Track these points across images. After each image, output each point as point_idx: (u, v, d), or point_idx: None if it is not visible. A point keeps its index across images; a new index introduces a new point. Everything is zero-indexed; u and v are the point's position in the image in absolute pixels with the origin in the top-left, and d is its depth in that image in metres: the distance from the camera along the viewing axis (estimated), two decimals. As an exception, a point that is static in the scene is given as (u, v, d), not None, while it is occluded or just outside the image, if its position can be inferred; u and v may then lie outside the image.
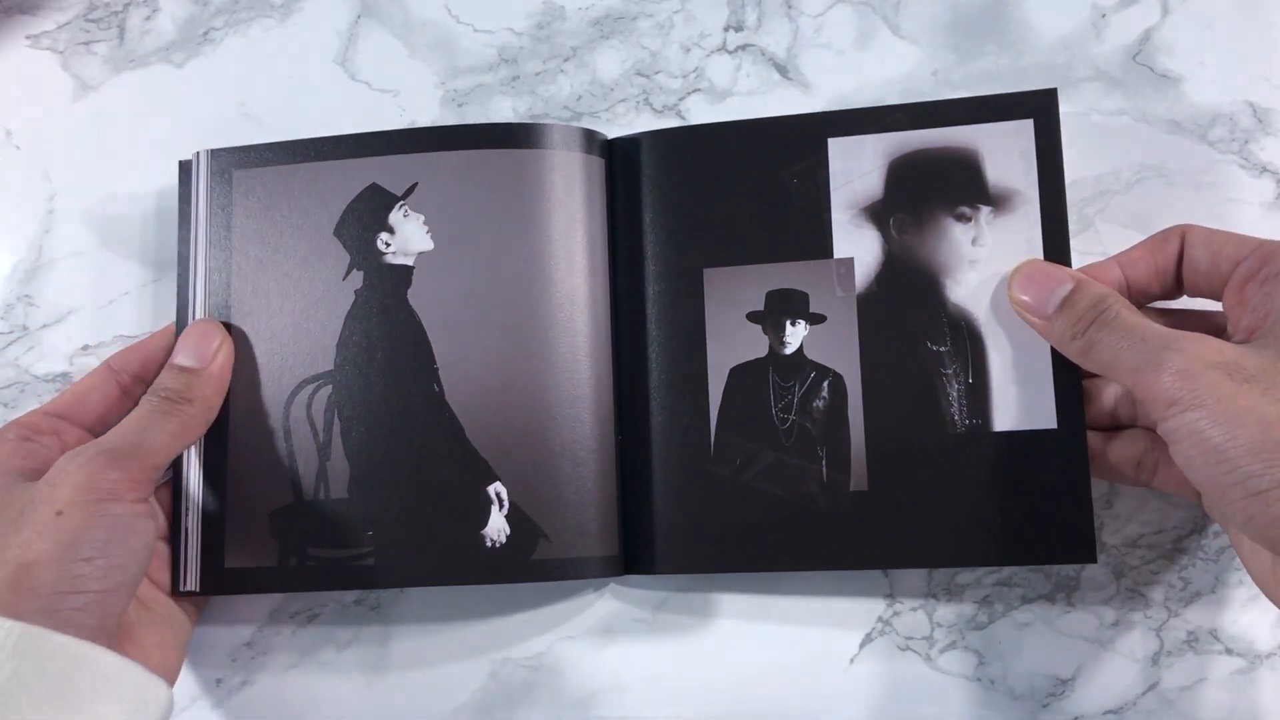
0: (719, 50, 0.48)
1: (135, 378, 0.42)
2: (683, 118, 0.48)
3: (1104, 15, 0.47)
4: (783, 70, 0.48)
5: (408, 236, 0.42)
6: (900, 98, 0.47)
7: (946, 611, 0.44)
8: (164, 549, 0.42)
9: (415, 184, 0.42)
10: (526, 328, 0.41)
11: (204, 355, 0.41)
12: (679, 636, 0.44)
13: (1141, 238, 0.41)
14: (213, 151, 0.44)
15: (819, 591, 0.44)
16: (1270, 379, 0.32)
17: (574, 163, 0.42)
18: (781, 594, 0.44)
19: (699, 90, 0.48)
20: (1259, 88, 0.45)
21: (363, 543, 0.41)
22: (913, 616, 0.44)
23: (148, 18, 0.50)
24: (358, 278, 0.42)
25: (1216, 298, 0.39)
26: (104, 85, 0.50)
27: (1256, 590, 0.43)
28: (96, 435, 0.40)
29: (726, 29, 0.48)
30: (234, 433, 0.42)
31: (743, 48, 0.48)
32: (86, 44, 0.50)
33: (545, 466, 0.41)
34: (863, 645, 0.44)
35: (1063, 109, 0.42)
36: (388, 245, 0.42)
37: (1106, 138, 0.45)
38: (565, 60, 0.48)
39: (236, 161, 0.43)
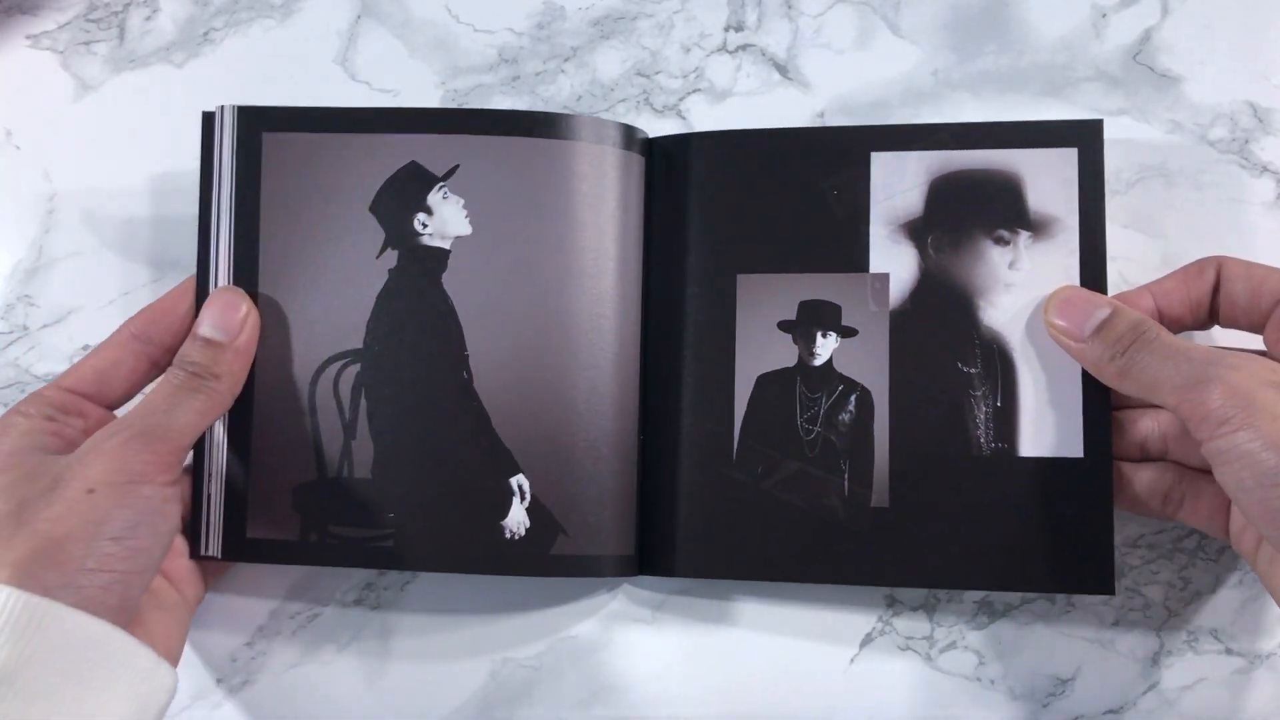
0: (719, 50, 0.48)
1: (165, 349, 0.41)
2: (683, 118, 0.48)
3: (1104, 15, 0.47)
4: (783, 70, 0.48)
5: (446, 219, 0.42)
6: (900, 98, 0.47)
7: (946, 611, 0.44)
8: (179, 541, 0.42)
9: (456, 166, 0.41)
10: (556, 322, 0.41)
11: (230, 327, 0.40)
12: (679, 637, 0.44)
13: (1142, 238, 0.41)
14: (240, 109, 0.42)
15: (820, 592, 0.44)
16: None
17: (614, 159, 0.42)
18: (782, 594, 0.44)
19: (699, 90, 0.48)
20: (1259, 88, 0.45)
21: (383, 524, 0.41)
22: (913, 616, 0.44)
23: (148, 18, 0.50)
24: (391, 257, 0.42)
25: (1256, 331, 0.39)
26: (104, 85, 0.50)
27: (1257, 590, 0.43)
28: (119, 410, 0.40)
29: (726, 29, 0.48)
30: (259, 404, 0.41)
31: (743, 48, 0.48)
32: (86, 44, 0.50)
33: (567, 462, 0.41)
34: (863, 645, 0.44)
35: (1063, 109, 0.42)
36: (425, 226, 0.42)
37: (1106, 137, 0.45)
38: (565, 60, 0.48)
39: (266, 123, 0.42)
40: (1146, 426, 0.40)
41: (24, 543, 0.33)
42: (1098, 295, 0.39)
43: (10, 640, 0.31)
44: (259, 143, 0.42)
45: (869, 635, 0.44)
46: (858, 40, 0.48)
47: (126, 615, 0.35)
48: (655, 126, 0.47)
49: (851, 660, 0.44)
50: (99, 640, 0.33)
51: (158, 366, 0.41)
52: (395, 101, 0.49)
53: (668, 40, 0.48)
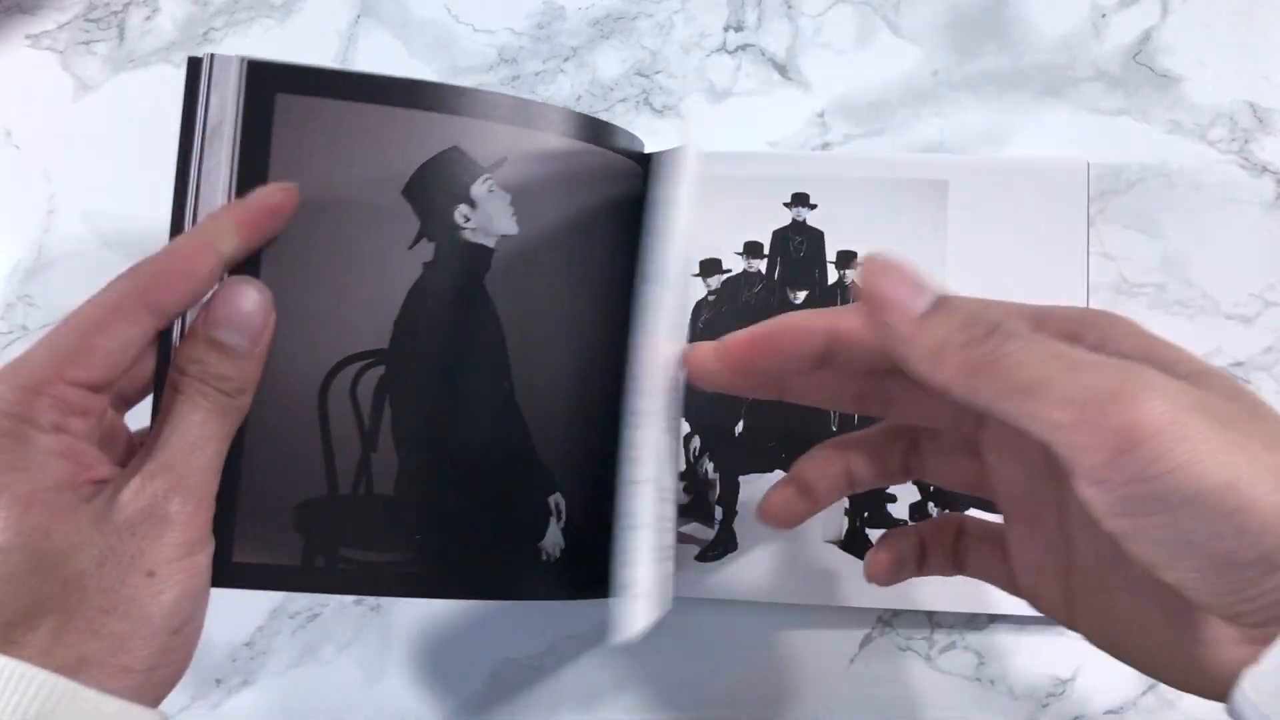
0: (719, 50, 0.48)
1: (171, 321, 0.33)
2: (683, 118, 0.48)
3: (1104, 15, 0.47)
4: (783, 70, 0.48)
5: (491, 214, 0.37)
6: (900, 98, 0.47)
7: (946, 612, 0.44)
8: None
9: (504, 158, 0.37)
10: (601, 338, 0.38)
11: (255, 330, 0.32)
12: (679, 637, 0.44)
13: (1142, 238, 0.41)
14: (250, 62, 0.35)
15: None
16: (1245, 422, 0.23)
17: (639, 174, 0.40)
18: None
19: (699, 90, 0.48)
20: (1259, 88, 0.45)
21: (407, 547, 0.35)
22: (913, 617, 0.44)
23: (148, 18, 0.50)
24: (427, 249, 0.36)
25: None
26: (104, 85, 0.50)
27: (1256, 590, 0.43)
28: (130, 402, 0.34)
29: (726, 29, 0.48)
30: (252, 409, 0.34)
31: (743, 48, 0.48)
32: (86, 44, 0.50)
33: (602, 483, 0.37)
34: (863, 645, 0.44)
35: (1064, 109, 0.42)
36: (467, 220, 0.37)
37: (1106, 138, 0.45)
38: (565, 60, 0.48)
39: (281, 83, 0.36)
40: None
41: (77, 641, 0.28)
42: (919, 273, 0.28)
43: None
44: (270, 105, 0.36)
45: (869, 635, 0.44)
46: (858, 40, 0.48)
47: (165, 695, 0.31)
48: (655, 127, 0.47)
49: (851, 660, 0.44)
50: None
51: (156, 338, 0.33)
52: (395, 101, 0.48)
53: (668, 40, 0.48)
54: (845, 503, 0.42)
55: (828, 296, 0.43)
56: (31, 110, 0.50)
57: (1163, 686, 0.43)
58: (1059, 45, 0.46)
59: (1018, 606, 0.41)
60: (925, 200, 0.43)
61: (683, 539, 0.42)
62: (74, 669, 0.28)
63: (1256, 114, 0.45)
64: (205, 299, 0.33)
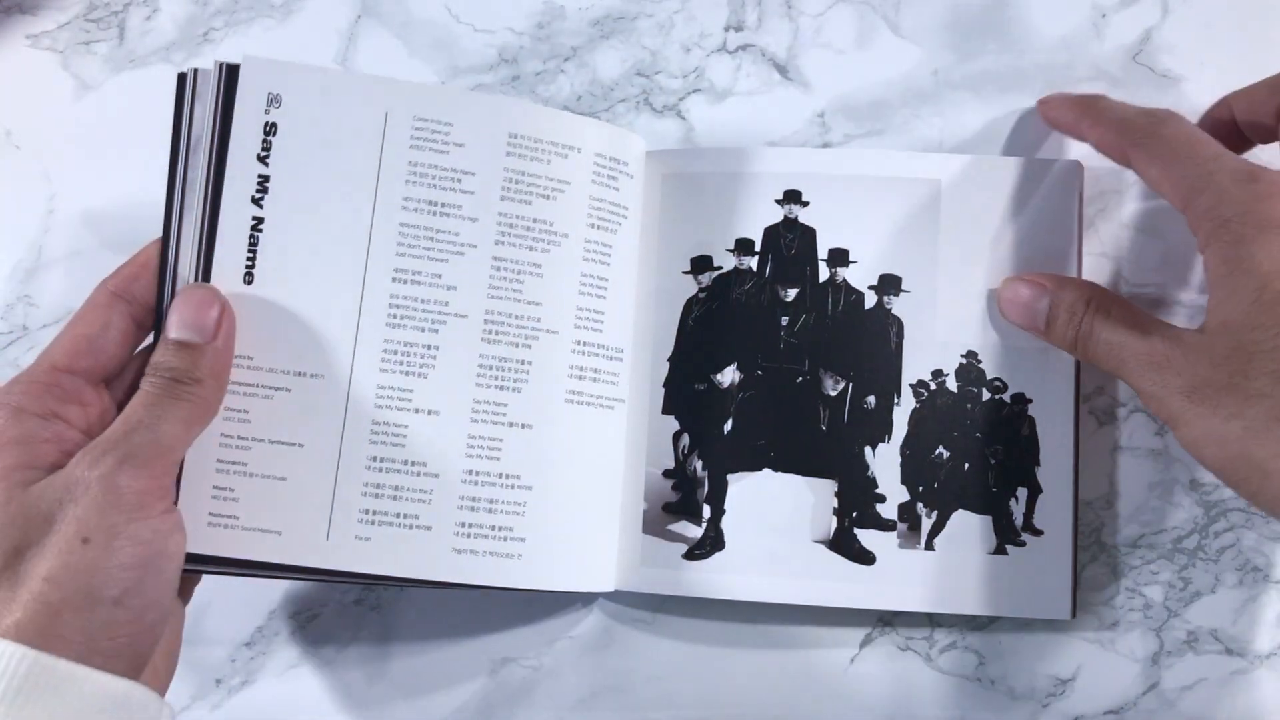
0: (719, 50, 0.48)
1: (147, 308, 0.38)
2: (683, 118, 0.48)
3: (1104, 15, 0.47)
4: (783, 70, 0.48)
5: None
6: (900, 98, 0.47)
7: (946, 612, 0.44)
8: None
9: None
10: None
11: (204, 326, 0.36)
12: (679, 637, 0.44)
13: (1143, 237, 0.41)
14: (229, 66, 0.40)
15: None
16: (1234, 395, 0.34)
17: None
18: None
19: (699, 90, 0.48)
20: (1259, 88, 0.45)
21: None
22: (913, 617, 0.44)
23: (148, 18, 0.50)
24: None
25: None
26: (104, 85, 0.50)
27: (1257, 590, 0.43)
28: (112, 385, 0.37)
29: (726, 29, 0.48)
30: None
31: (743, 48, 0.48)
32: (86, 44, 0.50)
33: None
34: (863, 645, 0.44)
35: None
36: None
37: (1106, 138, 0.45)
38: (565, 60, 0.48)
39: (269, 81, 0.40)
40: None
41: (23, 605, 0.30)
42: (1034, 283, 0.40)
43: (18, 702, 0.29)
44: (280, 102, 0.40)
45: (869, 635, 0.44)
46: (858, 40, 0.48)
47: (139, 666, 0.32)
48: (655, 127, 0.47)
49: (851, 660, 0.44)
50: (119, 699, 0.31)
51: (143, 329, 0.38)
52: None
53: (668, 40, 0.48)
54: (833, 502, 0.42)
55: (819, 294, 0.43)
56: (31, 110, 0.50)
57: (1163, 686, 0.43)
58: (1059, 45, 0.46)
59: (1017, 607, 0.41)
60: (918, 199, 0.43)
61: (671, 537, 0.42)
62: (23, 626, 0.30)
63: (1256, 114, 0.45)
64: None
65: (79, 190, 0.49)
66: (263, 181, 0.39)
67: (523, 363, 0.40)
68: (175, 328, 0.36)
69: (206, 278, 0.38)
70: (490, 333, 0.40)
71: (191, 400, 0.35)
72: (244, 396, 0.38)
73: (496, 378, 0.40)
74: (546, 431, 0.40)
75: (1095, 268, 0.44)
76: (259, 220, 0.39)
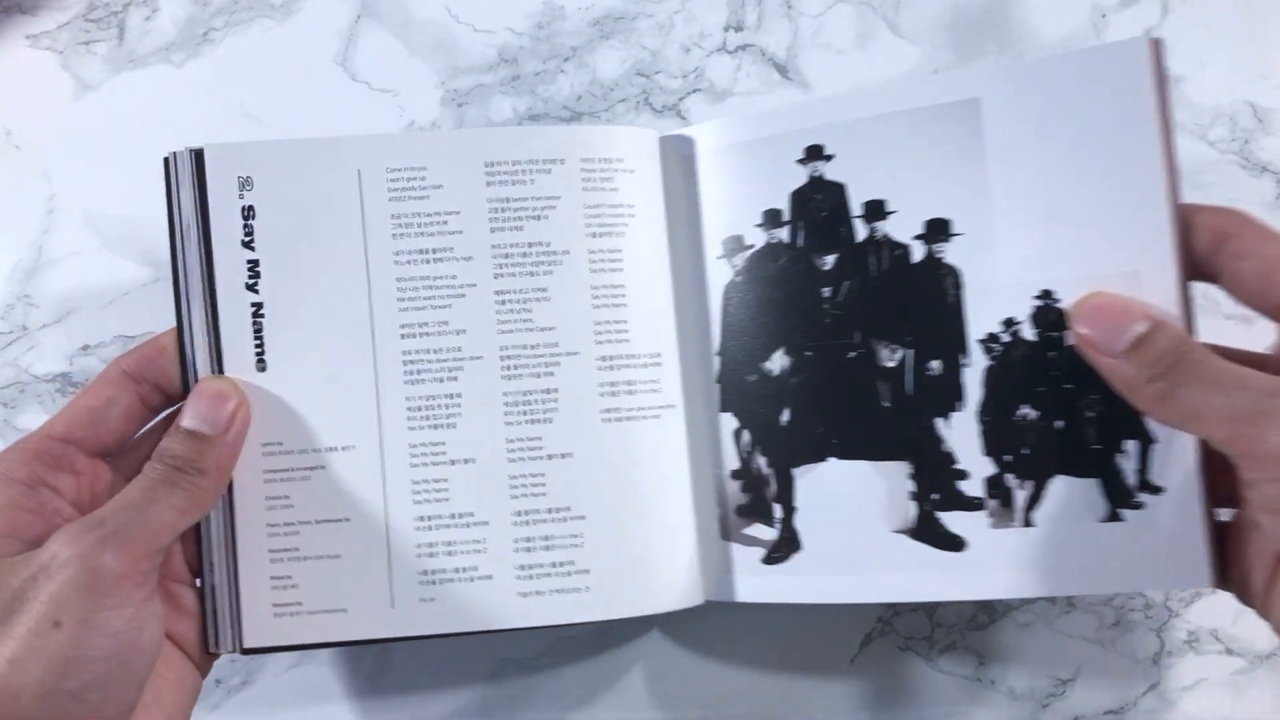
0: (719, 50, 0.48)
1: (159, 391, 0.38)
2: (683, 118, 0.48)
3: (1104, 15, 0.47)
4: (783, 70, 0.48)
5: None
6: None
7: (946, 611, 0.44)
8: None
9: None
10: None
11: (217, 420, 0.36)
12: (679, 637, 0.44)
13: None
14: (196, 152, 0.40)
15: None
16: None
17: None
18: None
19: (699, 90, 0.48)
20: (1259, 88, 0.45)
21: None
22: (913, 616, 0.44)
23: (147, 18, 0.50)
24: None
25: (1270, 316, 0.33)
26: (104, 85, 0.50)
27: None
28: (113, 460, 0.37)
29: (726, 29, 0.48)
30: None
31: (743, 48, 0.48)
32: (86, 44, 0.50)
33: None
34: (863, 645, 0.44)
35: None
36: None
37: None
38: (565, 60, 0.48)
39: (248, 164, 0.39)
40: None
41: None
42: (1133, 304, 0.33)
43: None
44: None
45: (869, 635, 0.44)
46: (858, 40, 0.48)
47: None
48: (655, 127, 0.47)
49: (851, 660, 0.44)
50: None
51: (152, 410, 0.38)
52: (395, 101, 0.48)
53: (668, 40, 0.48)
54: (909, 486, 0.38)
55: (859, 256, 0.39)
56: (31, 110, 0.50)
57: (1163, 686, 0.43)
58: (1059, 45, 0.46)
59: (1143, 580, 0.37)
60: (954, 125, 0.37)
61: (749, 541, 0.40)
62: None
63: (1256, 114, 0.45)
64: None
65: (79, 190, 0.49)
66: (253, 266, 0.39)
67: (548, 392, 0.39)
68: (189, 417, 0.36)
69: (220, 368, 0.38)
70: (509, 368, 0.39)
71: (190, 490, 0.34)
72: (282, 482, 0.38)
73: (525, 413, 0.39)
74: (588, 456, 0.39)
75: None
76: (258, 306, 0.39)
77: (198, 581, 0.38)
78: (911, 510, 0.38)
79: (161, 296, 0.48)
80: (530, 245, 0.40)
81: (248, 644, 0.37)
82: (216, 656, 0.38)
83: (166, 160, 0.39)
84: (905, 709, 0.43)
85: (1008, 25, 0.47)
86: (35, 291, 0.48)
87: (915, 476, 0.38)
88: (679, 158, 0.41)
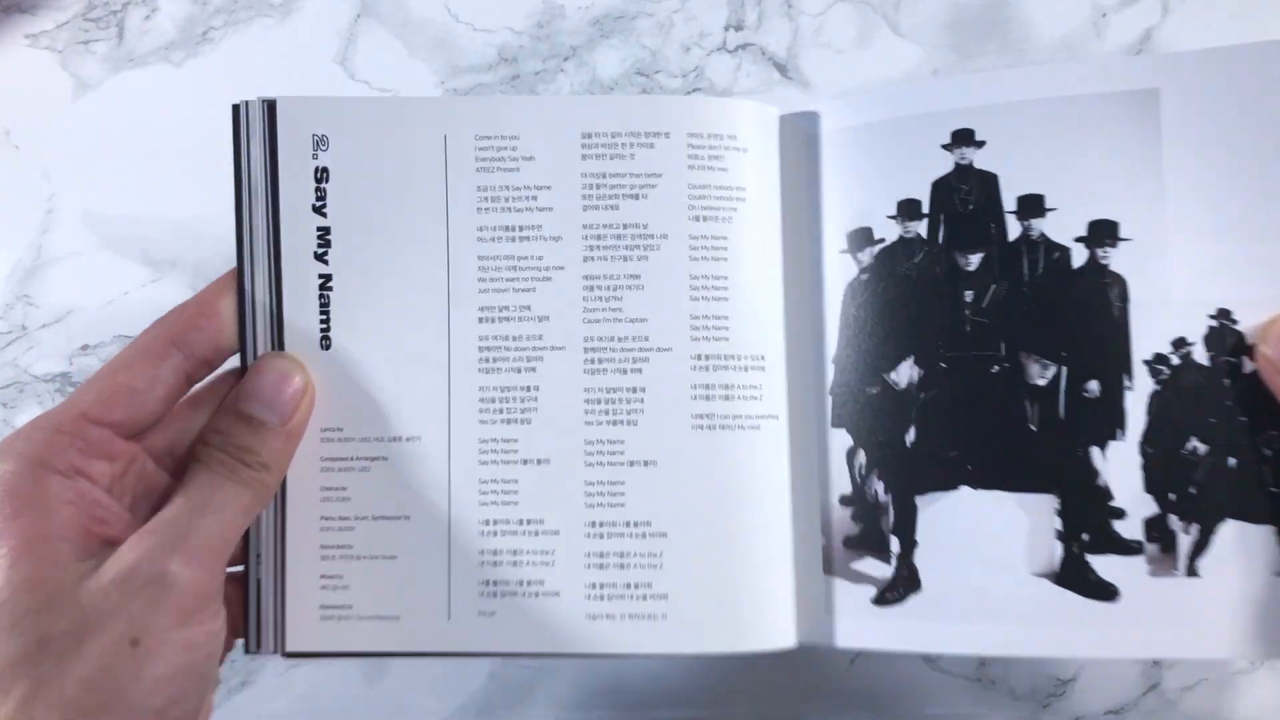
0: (719, 49, 0.48)
1: (203, 363, 0.33)
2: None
3: (1104, 15, 0.47)
4: (783, 69, 0.48)
5: None
6: (900, 97, 0.47)
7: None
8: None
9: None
10: None
11: (283, 406, 0.32)
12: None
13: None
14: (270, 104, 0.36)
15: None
16: None
17: None
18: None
19: (699, 89, 0.48)
20: (1259, 87, 0.45)
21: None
22: (913, 616, 0.44)
23: (147, 17, 0.50)
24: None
25: None
26: (103, 85, 0.50)
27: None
28: (148, 443, 0.32)
29: (726, 28, 0.48)
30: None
31: (743, 47, 0.48)
32: (85, 43, 0.50)
33: None
34: (863, 645, 0.44)
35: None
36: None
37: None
38: (565, 59, 0.48)
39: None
40: None
41: (52, 710, 0.26)
42: None
43: None
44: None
45: (869, 635, 0.44)
46: (858, 40, 0.47)
47: None
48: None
49: (852, 660, 0.44)
50: None
51: (192, 382, 0.33)
52: (395, 101, 0.48)
53: (667, 39, 0.48)
54: (1056, 523, 0.33)
55: (1010, 256, 0.34)
56: (31, 110, 0.50)
57: (1164, 687, 0.43)
58: (1059, 45, 0.46)
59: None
60: (1128, 116, 0.33)
61: (857, 578, 0.35)
62: None
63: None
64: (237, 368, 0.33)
65: (78, 190, 0.49)
66: (323, 234, 0.35)
67: (634, 390, 0.35)
68: (251, 401, 0.32)
69: (280, 343, 0.35)
70: (593, 362, 0.36)
71: (254, 487, 0.31)
72: (340, 472, 0.35)
73: (607, 412, 0.35)
74: (674, 466, 0.35)
75: None
76: (326, 278, 0.35)
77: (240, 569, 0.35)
78: (1057, 551, 0.33)
79: (162, 297, 0.48)
80: (625, 226, 0.36)
81: (291, 647, 0.34)
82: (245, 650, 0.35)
83: (236, 109, 0.36)
84: (905, 709, 0.43)
85: (1008, 25, 0.47)
86: (34, 291, 0.48)
87: (1063, 512, 0.33)
88: (801, 137, 0.37)
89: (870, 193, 0.35)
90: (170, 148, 0.48)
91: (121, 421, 0.31)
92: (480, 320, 0.36)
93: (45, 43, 0.50)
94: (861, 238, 0.36)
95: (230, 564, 0.32)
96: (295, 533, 0.34)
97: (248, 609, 0.34)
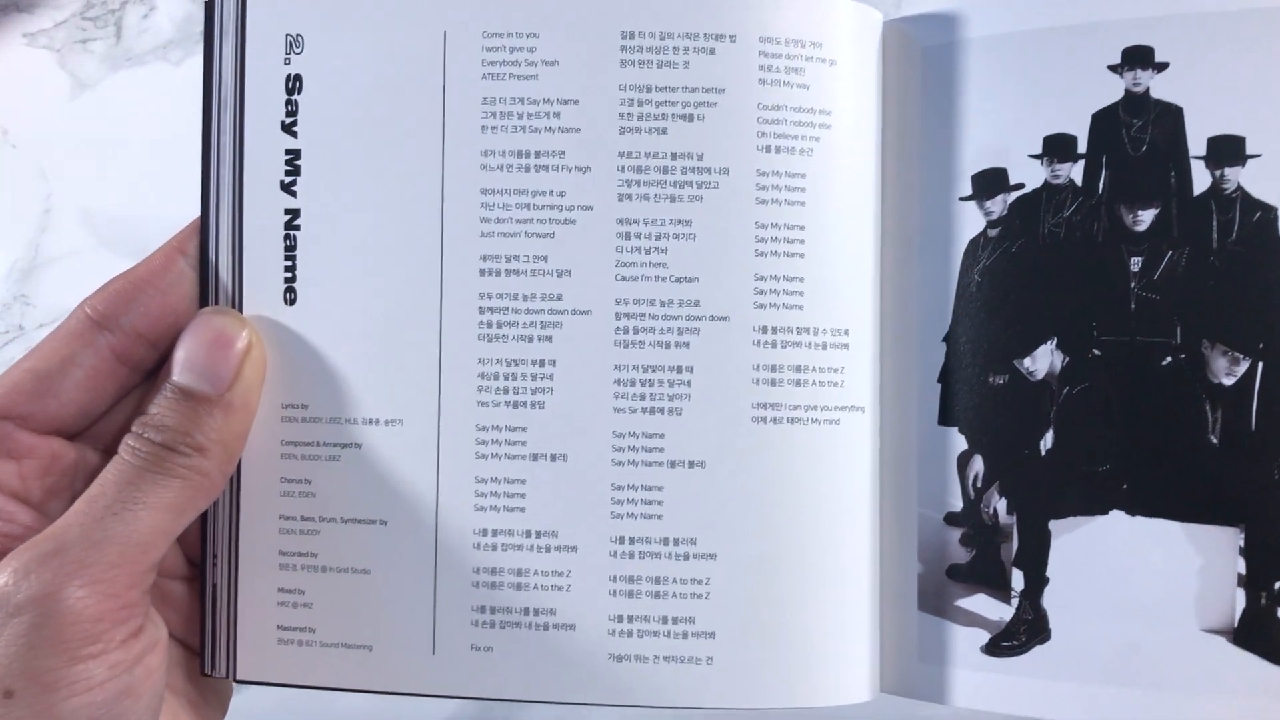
0: (719, 49, 0.48)
1: (144, 341, 0.27)
2: None
3: (1104, 15, 0.47)
4: (782, 70, 0.48)
5: None
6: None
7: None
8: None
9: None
10: None
11: (217, 372, 0.26)
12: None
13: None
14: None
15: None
16: None
17: None
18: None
19: (698, 89, 0.48)
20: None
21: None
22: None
23: (145, 16, 0.50)
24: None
25: None
26: (101, 84, 0.50)
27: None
28: (93, 434, 0.27)
29: (726, 28, 0.48)
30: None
31: (742, 47, 0.48)
32: (83, 42, 0.50)
33: None
34: (863, 645, 0.44)
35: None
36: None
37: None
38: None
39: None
40: None
41: None
42: None
43: None
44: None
45: (869, 635, 0.44)
46: (857, 40, 0.48)
47: None
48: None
49: None
50: None
51: (134, 368, 0.27)
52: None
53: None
54: (1238, 565, 0.26)
55: (1195, 216, 0.27)
56: (28, 109, 0.50)
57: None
58: (1059, 45, 0.47)
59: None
60: None
61: (963, 619, 0.28)
62: None
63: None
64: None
65: (76, 189, 0.49)
66: (292, 159, 0.28)
67: (679, 370, 0.28)
68: (179, 368, 0.26)
69: (240, 298, 0.28)
70: (626, 331, 0.28)
71: (185, 477, 0.25)
72: (303, 461, 0.28)
73: (643, 396, 0.28)
74: (729, 469, 0.28)
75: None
76: (293, 214, 0.28)
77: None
78: (1239, 601, 0.26)
79: (159, 296, 0.48)
80: (674, 156, 0.28)
81: (242, 674, 0.29)
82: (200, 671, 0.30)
83: (209, 5, 0.29)
84: (905, 709, 0.43)
85: (1007, 25, 0.47)
86: (32, 291, 0.48)
87: (1249, 552, 0.26)
88: (911, 49, 0.29)
89: (1007, 124, 0.28)
90: (168, 147, 0.48)
91: (29, 415, 0.25)
92: (482, 273, 0.28)
93: (43, 42, 0.50)
94: (992, 181, 0.28)
95: (190, 565, 0.29)
96: (249, 534, 0.28)
97: (203, 621, 0.28)
